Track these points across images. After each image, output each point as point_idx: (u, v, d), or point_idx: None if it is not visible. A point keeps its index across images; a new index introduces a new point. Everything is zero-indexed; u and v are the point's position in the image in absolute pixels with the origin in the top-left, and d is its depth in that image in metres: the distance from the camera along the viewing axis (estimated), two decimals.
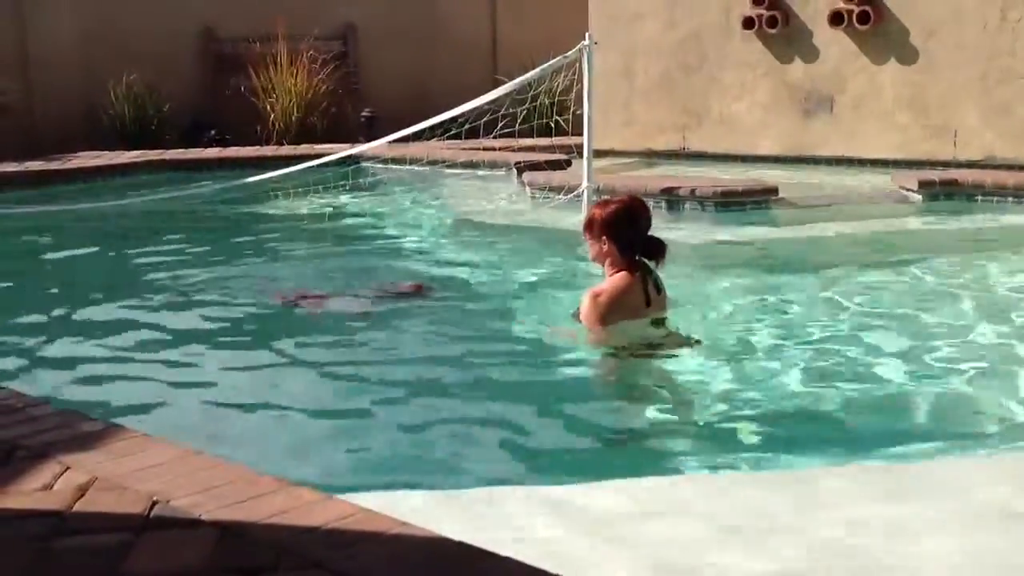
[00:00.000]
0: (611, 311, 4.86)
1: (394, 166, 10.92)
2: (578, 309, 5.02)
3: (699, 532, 2.93)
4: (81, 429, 3.15)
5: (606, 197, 5.52)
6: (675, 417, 4.24)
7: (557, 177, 9.57)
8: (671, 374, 4.73)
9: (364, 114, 13.29)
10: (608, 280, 4.96)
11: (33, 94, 13.04)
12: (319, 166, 9.82)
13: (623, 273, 4.92)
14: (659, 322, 5.05)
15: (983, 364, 4.73)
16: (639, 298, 4.94)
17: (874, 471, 3.48)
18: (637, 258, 4.95)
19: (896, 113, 10.51)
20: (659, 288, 5.03)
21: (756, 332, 5.26)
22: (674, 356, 4.87)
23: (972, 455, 3.74)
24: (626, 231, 4.92)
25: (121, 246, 8.31)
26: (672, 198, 8.45)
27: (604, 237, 4.91)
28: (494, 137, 9.97)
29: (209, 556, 2.33)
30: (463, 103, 9.05)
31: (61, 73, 13.25)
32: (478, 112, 9.36)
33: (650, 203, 5.68)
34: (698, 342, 4.97)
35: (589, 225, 4.99)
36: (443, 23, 14.83)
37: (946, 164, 10.00)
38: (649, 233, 4.99)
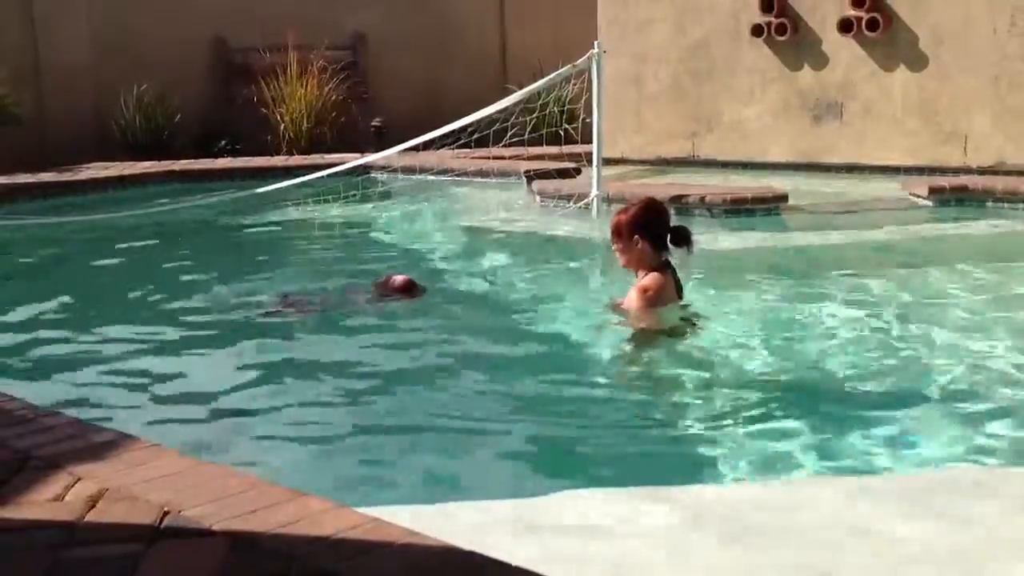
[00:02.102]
0: (657, 305, 5.17)
1: (404, 175, 10.94)
2: (615, 303, 5.39)
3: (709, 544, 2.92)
4: (92, 439, 3.16)
5: (622, 206, 5.66)
6: (690, 426, 4.23)
7: (567, 185, 9.58)
8: (686, 377, 4.73)
9: (374, 124, 13.32)
10: (648, 277, 5.20)
11: (45, 104, 13.11)
12: (329, 176, 9.84)
13: (656, 272, 5.20)
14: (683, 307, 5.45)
15: (994, 371, 4.71)
16: (674, 294, 5.29)
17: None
18: (664, 260, 5.24)
19: (906, 119, 10.49)
20: (681, 289, 5.35)
21: (764, 340, 5.25)
22: (691, 347, 5.06)
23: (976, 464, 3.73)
24: (654, 225, 5.21)
25: (131, 257, 8.33)
26: (682, 206, 8.44)
27: (636, 237, 5.16)
28: (504, 146, 9.98)
29: (220, 566, 2.33)
30: (473, 112, 9.07)
31: (73, 84, 13.32)
32: (488, 121, 9.38)
33: None
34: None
35: (617, 231, 5.21)
36: (452, 32, 14.88)
37: (957, 170, 9.98)
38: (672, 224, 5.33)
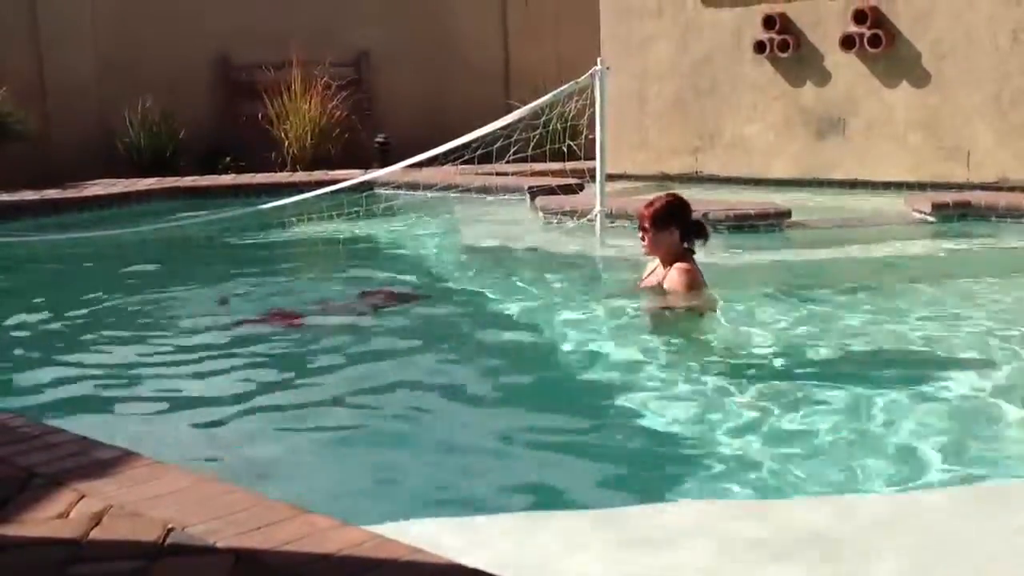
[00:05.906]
0: (702, 284, 5.58)
1: (407, 191, 10.97)
2: (656, 287, 5.65)
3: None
4: (96, 456, 3.16)
5: (633, 216, 6.07)
6: (690, 444, 4.22)
7: (570, 202, 9.60)
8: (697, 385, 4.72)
9: (378, 140, 13.36)
10: (686, 262, 5.57)
11: (50, 122, 13.15)
12: (333, 192, 9.86)
13: (687, 259, 5.58)
14: None
15: (996, 386, 4.70)
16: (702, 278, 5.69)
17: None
18: (688, 248, 5.61)
19: (909, 135, 10.51)
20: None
21: (767, 354, 5.24)
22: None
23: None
24: (685, 216, 5.62)
25: (136, 273, 8.34)
26: None
27: (672, 227, 5.53)
28: (507, 162, 10.00)
29: None
30: (476, 128, 9.09)
31: (78, 101, 13.37)
32: (491, 137, 9.40)
33: None
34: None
35: (653, 220, 5.52)
36: (456, 49, 14.93)
37: (960, 186, 9.99)
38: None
